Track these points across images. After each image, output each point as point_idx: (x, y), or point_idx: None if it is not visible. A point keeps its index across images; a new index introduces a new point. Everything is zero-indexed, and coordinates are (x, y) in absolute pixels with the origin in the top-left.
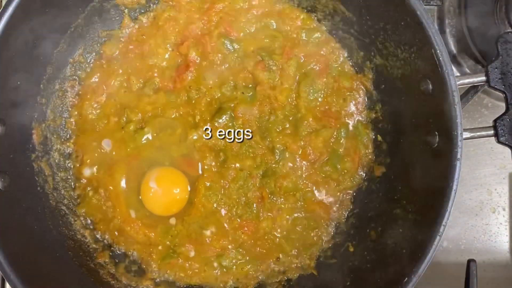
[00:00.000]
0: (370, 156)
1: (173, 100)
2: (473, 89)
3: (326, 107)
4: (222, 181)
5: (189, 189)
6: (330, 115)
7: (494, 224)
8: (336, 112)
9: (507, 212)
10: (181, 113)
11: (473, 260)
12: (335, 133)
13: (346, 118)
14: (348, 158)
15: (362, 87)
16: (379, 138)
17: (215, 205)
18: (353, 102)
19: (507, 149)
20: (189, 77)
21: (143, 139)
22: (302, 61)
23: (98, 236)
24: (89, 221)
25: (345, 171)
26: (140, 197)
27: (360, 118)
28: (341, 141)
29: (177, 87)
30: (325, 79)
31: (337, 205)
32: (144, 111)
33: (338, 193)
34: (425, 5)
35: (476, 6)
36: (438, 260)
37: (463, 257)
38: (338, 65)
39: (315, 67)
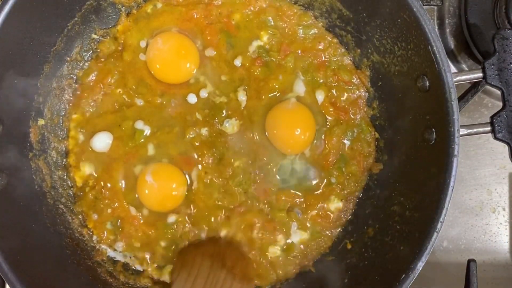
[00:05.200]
0: (372, 155)
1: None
2: (473, 89)
3: (333, 100)
4: (220, 178)
5: (187, 184)
6: (339, 109)
7: (494, 224)
8: (342, 107)
9: (507, 212)
10: (179, 111)
11: (473, 260)
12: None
13: (352, 114)
14: (354, 161)
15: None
16: (376, 135)
17: (216, 202)
18: (355, 96)
19: (507, 149)
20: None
21: (140, 138)
22: (299, 56)
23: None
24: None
25: (350, 174)
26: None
27: (363, 115)
28: (347, 143)
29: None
30: (323, 72)
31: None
32: (141, 109)
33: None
34: (425, 5)
35: (476, 6)
36: (438, 260)
37: (463, 257)
38: (336, 59)
39: (313, 61)
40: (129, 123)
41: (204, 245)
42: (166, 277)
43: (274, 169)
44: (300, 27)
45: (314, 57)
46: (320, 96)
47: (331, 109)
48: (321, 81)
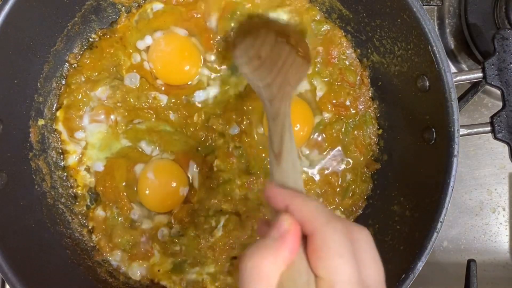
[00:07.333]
0: (373, 148)
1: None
2: (473, 89)
3: (334, 101)
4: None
5: (188, 184)
6: (339, 105)
7: (494, 224)
8: (342, 103)
9: (507, 212)
10: (180, 113)
11: (473, 260)
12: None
13: (352, 109)
14: (355, 149)
15: (364, 81)
16: (379, 131)
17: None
18: (355, 95)
19: (507, 149)
20: None
21: (140, 138)
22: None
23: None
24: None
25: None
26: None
27: (366, 109)
28: (349, 135)
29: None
30: (330, 69)
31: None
32: (141, 109)
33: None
34: (425, 5)
35: (476, 6)
36: (438, 260)
37: (463, 257)
38: (345, 58)
39: (322, 57)
40: (129, 123)
41: (268, 22)
42: (165, 281)
43: None
44: (313, 22)
45: (323, 53)
46: (319, 93)
47: (329, 106)
48: (326, 79)
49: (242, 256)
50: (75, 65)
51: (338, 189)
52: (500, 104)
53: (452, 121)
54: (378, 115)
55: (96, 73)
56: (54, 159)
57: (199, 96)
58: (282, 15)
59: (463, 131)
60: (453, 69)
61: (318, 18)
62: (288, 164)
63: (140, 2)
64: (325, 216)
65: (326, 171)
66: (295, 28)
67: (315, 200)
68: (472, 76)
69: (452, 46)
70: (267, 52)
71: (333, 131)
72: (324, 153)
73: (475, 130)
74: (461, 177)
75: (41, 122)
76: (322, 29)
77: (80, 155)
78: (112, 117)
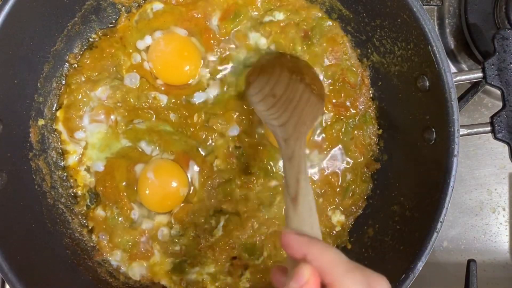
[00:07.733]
0: (373, 148)
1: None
2: (473, 89)
3: (334, 101)
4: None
5: (188, 184)
6: (339, 105)
7: (494, 224)
8: (342, 103)
9: (507, 212)
10: (180, 113)
11: (473, 260)
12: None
13: (352, 109)
14: (355, 149)
15: (365, 81)
16: (379, 131)
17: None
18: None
19: (507, 149)
20: None
21: (140, 138)
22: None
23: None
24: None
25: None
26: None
27: (366, 109)
28: (349, 135)
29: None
30: (333, 69)
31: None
32: (141, 109)
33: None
34: (425, 5)
35: (476, 6)
36: (438, 260)
37: (463, 257)
38: (347, 58)
39: (328, 57)
40: (129, 124)
41: (282, 58)
42: (165, 281)
43: (274, 169)
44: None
45: (329, 53)
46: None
47: (329, 106)
48: (329, 80)
49: None
50: (75, 65)
51: (338, 189)
52: (500, 104)
53: (452, 121)
54: (378, 115)
55: (96, 73)
56: (54, 159)
57: (199, 96)
58: (278, 15)
59: (463, 131)
60: (453, 69)
61: (320, 15)
62: (305, 208)
63: (140, 2)
64: (344, 266)
65: (326, 171)
66: (309, 65)
67: (333, 248)
68: (472, 76)
69: (452, 46)
70: (282, 90)
71: (333, 131)
72: (324, 153)
73: (475, 130)
74: (461, 177)
75: (41, 122)
76: (326, 25)
77: (80, 155)
78: (112, 117)
